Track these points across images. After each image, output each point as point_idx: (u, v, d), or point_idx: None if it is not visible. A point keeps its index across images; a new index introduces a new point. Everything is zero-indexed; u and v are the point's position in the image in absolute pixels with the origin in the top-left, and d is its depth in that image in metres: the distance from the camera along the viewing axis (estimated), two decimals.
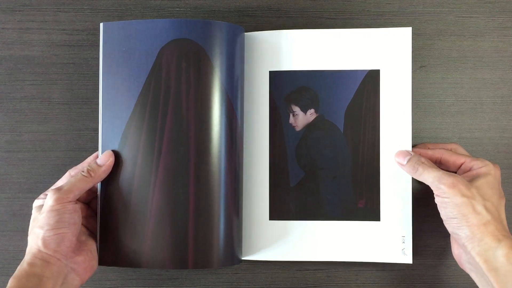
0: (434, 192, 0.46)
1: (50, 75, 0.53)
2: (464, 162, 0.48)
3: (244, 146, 0.50)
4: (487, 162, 0.47)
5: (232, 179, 0.48)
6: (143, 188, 0.47)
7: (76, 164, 0.49)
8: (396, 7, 0.53)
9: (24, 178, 0.53)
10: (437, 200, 0.45)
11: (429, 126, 0.53)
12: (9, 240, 0.52)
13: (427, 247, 0.52)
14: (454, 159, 0.48)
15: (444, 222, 0.46)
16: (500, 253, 0.42)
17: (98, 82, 0.48)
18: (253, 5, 0.53)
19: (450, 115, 0.53)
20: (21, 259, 0.44)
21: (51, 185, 0.48)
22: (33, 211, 0.46)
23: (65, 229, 0.43)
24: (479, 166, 0.47)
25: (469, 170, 0.48)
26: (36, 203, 0.47)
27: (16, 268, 0.43)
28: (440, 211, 0.46)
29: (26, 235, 0.45)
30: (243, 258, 0.50)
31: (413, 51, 0.50)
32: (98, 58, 0.48)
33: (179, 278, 0.52)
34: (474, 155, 0.52)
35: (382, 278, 0.52)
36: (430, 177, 0.45)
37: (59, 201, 0.43)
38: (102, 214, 0.48)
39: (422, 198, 0.52)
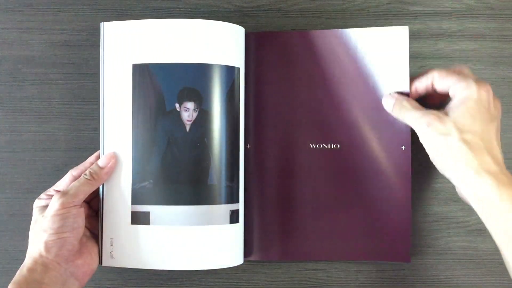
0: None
1: (50, 75, 0.53)
2: (449, 88, 0.44)
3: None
4: (470, 83, 0.42)
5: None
6: None
7: (76, 164, 0.49)
8: (396, 7, 0.53)
9: (24, 178, 0.52)
10: (420, 140, 0.43)
11: None
12: (9, 240, 0.52)
13: (427, 247, 0.52)
14: (441, 86, 0.44)
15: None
16: (489, 191, 0.39)
17: (98, 82, 0.48)
18: (253, 5, 0.53)
19: None
20: (20, 259, 0.44)
21: (51, 185, 0.48)
22: (35, 212, 0.46)
23: (68, 233, 0.43)
24: (460, 90, 0.42)
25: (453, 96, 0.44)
26: (37, 203, 0.46)
27: (16, 268, 0.43)
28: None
29: (26, 235, 0.45)
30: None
31: (413, 51, 0.50)
32: (98, 58, 0.48)
33: (179, 278, 0.52)
34: None
35: (382, 278, 0.52)
36: (410, 119, 0.44)
37: (64, 205, 0.43)
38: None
39: (422, 196, 0.52)
